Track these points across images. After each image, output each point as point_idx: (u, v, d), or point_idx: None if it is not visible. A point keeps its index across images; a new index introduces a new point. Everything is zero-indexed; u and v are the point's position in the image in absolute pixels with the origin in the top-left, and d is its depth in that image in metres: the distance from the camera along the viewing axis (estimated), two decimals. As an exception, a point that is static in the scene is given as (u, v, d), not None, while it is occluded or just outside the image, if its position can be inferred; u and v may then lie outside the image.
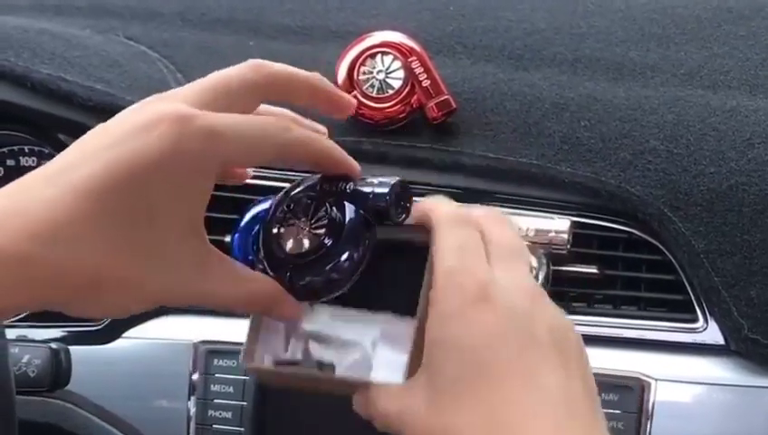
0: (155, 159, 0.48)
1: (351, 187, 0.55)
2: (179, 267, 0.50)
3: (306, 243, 0.54)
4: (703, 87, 0.85)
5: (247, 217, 0.58)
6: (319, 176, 0.56)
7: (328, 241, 0.53)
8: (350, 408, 0.53)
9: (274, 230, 0.55)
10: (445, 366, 0.49)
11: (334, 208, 0.54)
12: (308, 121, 0.57)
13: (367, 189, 0.54)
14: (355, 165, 0.56)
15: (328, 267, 0.53)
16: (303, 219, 0.54)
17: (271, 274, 0.54)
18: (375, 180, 0.55)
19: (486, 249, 0.52)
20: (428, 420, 0.49)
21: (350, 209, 0.54)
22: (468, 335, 0.49)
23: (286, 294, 0.54)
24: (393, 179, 0.54)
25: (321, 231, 0.54)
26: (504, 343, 0.49)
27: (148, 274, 0.49)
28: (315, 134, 0.55)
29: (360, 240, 0.54)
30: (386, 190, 0.54)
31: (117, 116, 0.51)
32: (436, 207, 0.54)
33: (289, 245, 0.54)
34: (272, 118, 0.54)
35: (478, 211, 0.55)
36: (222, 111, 0.50)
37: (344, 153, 0.55)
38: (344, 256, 0.53)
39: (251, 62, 0.53)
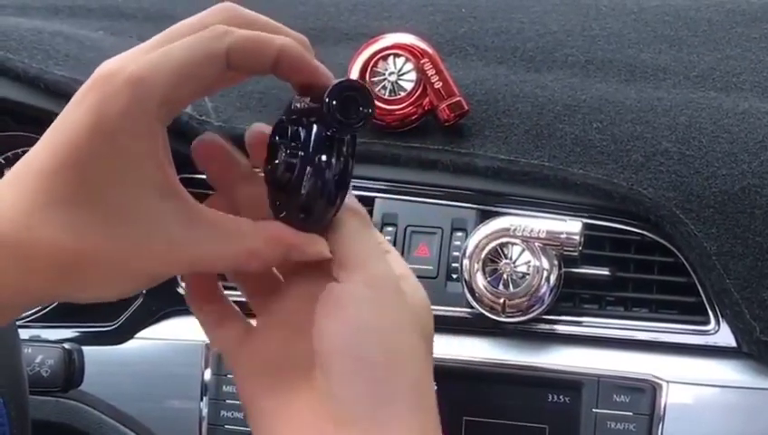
0: (85, 134, 0.47)
1: (310, 100, 0.50)
2: (160, 233, 0.48)
3: (281, 169, 0.50)
4: (715, 89, 0.85)
5: None
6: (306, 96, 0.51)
7: (295, 162, 0.49)
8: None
9: (270, 165, 0.51)
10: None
11: (298, 127, 0.50)
12: (269, 22, 0.51)
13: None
14: (323, 70, 0.51)
15: (303, 190, 0.50)
16: (283, 146, 0.51)
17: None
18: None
19: None
20: None
21: (315, 124, 0.49)
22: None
23: (297, 234, 0.50)
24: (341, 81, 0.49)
25: (293, 154, 0.50)
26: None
27: (126, 246, 0.48)
28: (263, 33, 0.50)
29: (328, 154, 0.49)
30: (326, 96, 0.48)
31: None
32: None
33: (276, 174, 0.51)
34: (205, 30, 0.49)
35: None
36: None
37: (306, 54, 0.50)
38: (309, 176, 0.49)
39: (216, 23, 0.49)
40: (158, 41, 0.50)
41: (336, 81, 0.49)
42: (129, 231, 0.48)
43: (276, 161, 0.51)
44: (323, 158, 0.50)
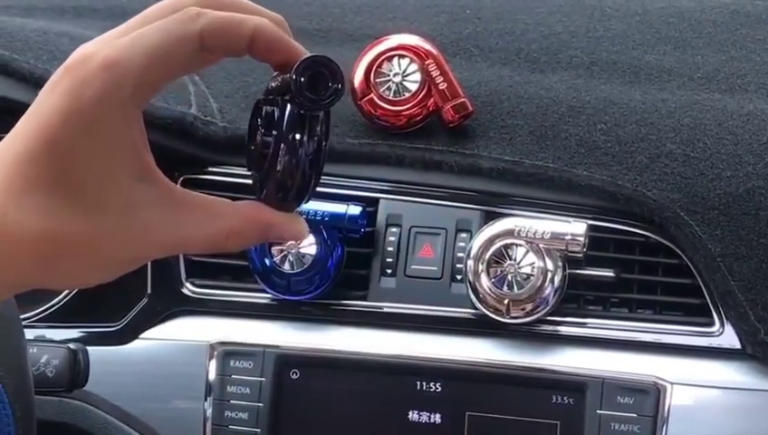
0: (60, 119, 0.46)
1: (282, 78, 0.50)
2: (138, 217, 0.48)
3: (258, 149, 0.51)
4: (720, 90, 0.85)
5: None
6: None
7: (270, 140, 0.50)
8: (364, 409, 0.52)
9: (251, 146, 0.52)
10: None
11: (273, 107, 0.50)
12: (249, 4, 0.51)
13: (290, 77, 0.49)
14: (300, 49, 0.51)
15: (278, 168, 0.50)
16: (260, 126, 0.51)
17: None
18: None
19: None
20: None
21: (288, 103, 0.50)
22: None
23: (274, 213, 0.51)
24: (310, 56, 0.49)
25: (268, 134, 0.50)
26: None
27: (104, 231, 0.47)
28: (237, 14, 0.50)
29: (301, 132, 0.50)
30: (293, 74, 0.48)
31: None
32: None
33: (254, 155, 0.51)
34: (178, 12, 0.49)
35: None
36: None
37: (281, 34, 0.50)
38: (283, 154, 0.50)
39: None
40: (131, 25, 0.50)
41: (303, 57, 0.49)
42: (107, 216, 0.47)
43: (255, 142, 0.52)
44: (296, 136, 0.50)
